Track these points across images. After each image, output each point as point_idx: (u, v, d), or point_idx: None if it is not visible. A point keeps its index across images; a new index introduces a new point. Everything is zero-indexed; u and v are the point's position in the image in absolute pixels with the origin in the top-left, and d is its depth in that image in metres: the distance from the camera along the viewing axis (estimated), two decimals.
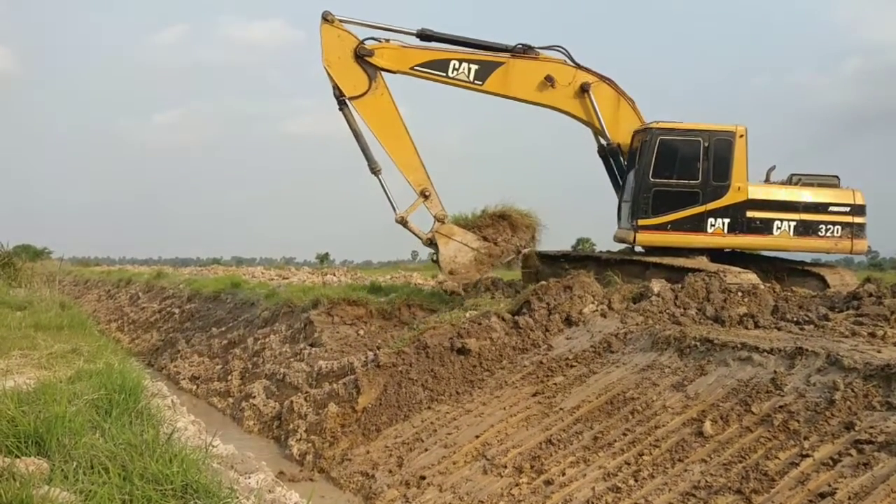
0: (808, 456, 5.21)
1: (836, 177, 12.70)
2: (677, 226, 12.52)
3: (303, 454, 9.08)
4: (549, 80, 12.74)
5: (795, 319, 8.35)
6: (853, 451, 5.02)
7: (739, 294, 9.43)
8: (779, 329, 8.03)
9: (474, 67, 12.75)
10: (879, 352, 6.34)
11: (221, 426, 10.00)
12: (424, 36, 12.88)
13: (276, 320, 13.86)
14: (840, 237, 12.23)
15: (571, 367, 8.19)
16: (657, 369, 7.32)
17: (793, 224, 12.30)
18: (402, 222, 12.78)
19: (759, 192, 12.49)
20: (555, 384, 7.93)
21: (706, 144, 12.38)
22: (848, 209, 12.26)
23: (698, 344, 7.32)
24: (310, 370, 10.71)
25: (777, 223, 12.34)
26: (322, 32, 12.72)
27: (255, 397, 11.32)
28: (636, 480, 5.86)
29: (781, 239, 12.38)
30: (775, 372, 6.28)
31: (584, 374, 7.92)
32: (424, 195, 12.72)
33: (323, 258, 53.91)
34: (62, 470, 3.54)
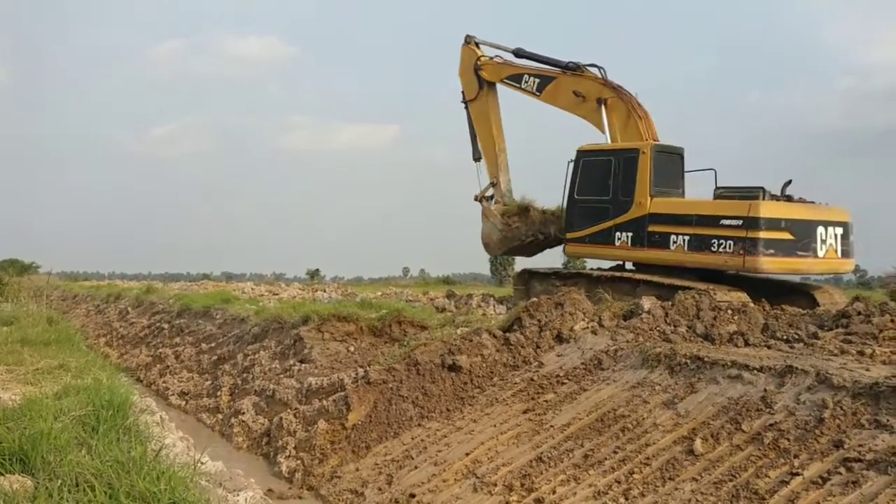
0: (797, 474, 5.21)
1: (760, 188, 12.21)
2: (593, 239, 13.54)
3: (292, 471, 9.00)
4: (577, 95, 14.28)
5: (785, 337, 8.37)
6: (842, 470, 5.03)
7: (729, 312, 9.45)
8: (769, 347, 8.06)
9: (536, 81, 15.06)
10: (868, 370, 6.36)
11: (210, 442, 9.94)
12: (518, 53, 15.81)
13: (266, 336, 13.78)
14: (732, 253, 11.56)
15: (562, 384, 8.18)
16: (648, 387, 7.32)
17: (687, 238, 12.12)
18: (477, 199, 16.48)
19: (658, 206, 12.66)
20: (545, 401, 7.91)
21: (616, 163, 13.22)
22: (740, 222, 11.53)
23: (689, 361, 7.33)
24: (299, 386, 10.65)
25: (673, 237, 12.31)
26: (462, 50, 16.71)
27: (244, 413, 11.23)
28: (626, 499, 5.84)
29: (677, 253, 12.28)
30: (765, 390, 6.29)
31: (575, 391, 7.91)
32: (492, 183, 16.31)
33: (313, 274, 53.68)
34: (47, 488, 3.51)
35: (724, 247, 11.60)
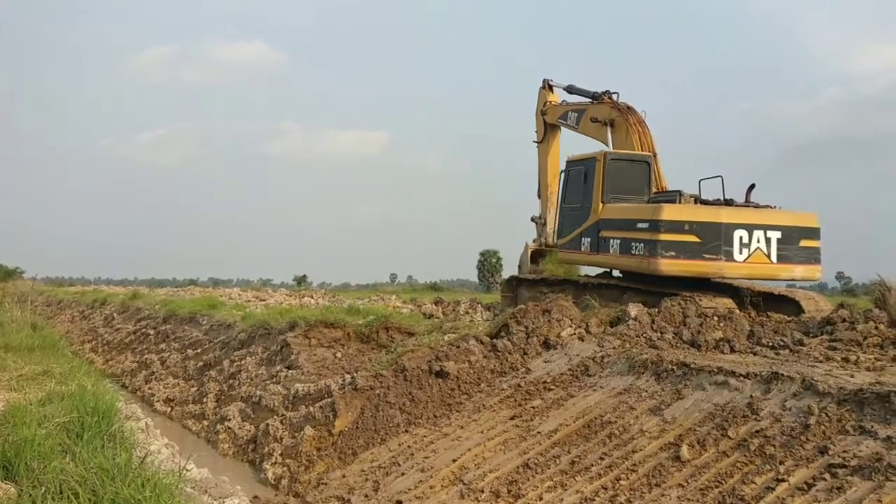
0: (783, 480, 5.23)
1: (678, 192, 12.36)
2: (570, 245, 13.94)
3: (278, 478, 8.96)
4: (594, 121, 14.93)
5: (771, 344, 8.42)
6: (827, 476, 5.05)
7: (715, 318, 9.50)
8: (754, 354, 8.10)
9: (575, 115, 15.62)
10: (853, 376, 6.41)
11: (196, 449, 9.85)
12: (569, 90, 16.37)
13: (253, 342, 13.73)
14: (642, 255, 11.72)
15: (549, 390, 8.19)
16: (634, 393, 7.34)
17: (618, 242, 12.40)
18: (533, 220, 17.29)
19: (606, 212, 12.97)
20: (532, 407, 7.92)
21: (584, 172, 13.59)
22: (647, 225, 11.72)
23: (675, 368, 7.35)
24: (286, 393, 10.61)
25: (611, 241, 12.61)
26: (538, 92, 17.28)
27: (230, 420, 11.17)
28: None
29: (613, 257, 12.59)
30: (751, 396, 6.32)
31: (562, 397, 7.92)
32: (542, 221, 16.94)
33: (300, 280, 53.62)
34: (30, 495, 3.47)
35: (638, 249, 11.85)
